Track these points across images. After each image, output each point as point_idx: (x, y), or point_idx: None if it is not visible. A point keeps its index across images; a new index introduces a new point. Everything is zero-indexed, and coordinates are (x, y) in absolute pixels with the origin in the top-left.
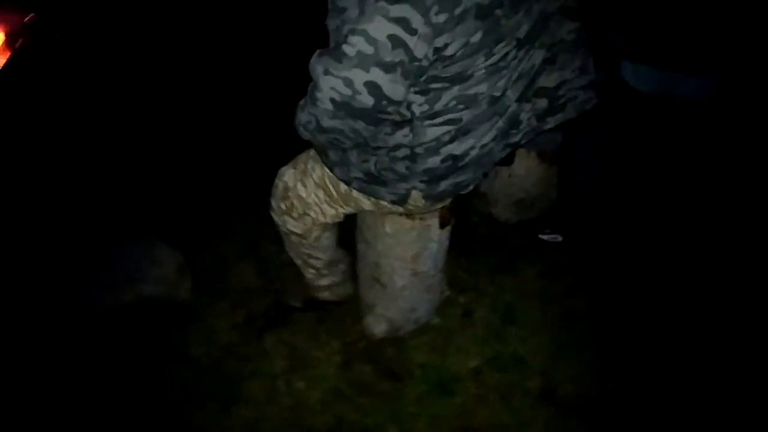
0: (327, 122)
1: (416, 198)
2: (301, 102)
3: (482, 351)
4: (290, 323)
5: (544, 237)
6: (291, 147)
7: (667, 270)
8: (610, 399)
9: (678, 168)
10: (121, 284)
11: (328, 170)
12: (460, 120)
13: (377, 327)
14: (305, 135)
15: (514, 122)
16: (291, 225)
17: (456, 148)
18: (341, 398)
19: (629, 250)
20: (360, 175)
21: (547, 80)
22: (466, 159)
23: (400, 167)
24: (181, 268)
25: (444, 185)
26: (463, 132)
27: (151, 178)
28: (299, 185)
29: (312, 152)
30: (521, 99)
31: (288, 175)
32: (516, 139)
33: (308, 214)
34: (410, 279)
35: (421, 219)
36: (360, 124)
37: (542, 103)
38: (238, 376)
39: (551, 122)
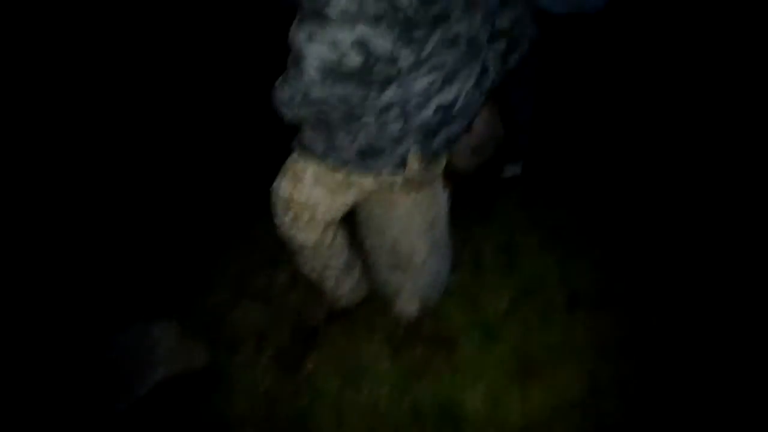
0: (315, 93)
1: (413, 160)
2: (280, 79)
3: (504, 288)
4: (322, 342)
5: (506, 175)
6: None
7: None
8: (625, 290)
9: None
10: (131, 380)
11: (319, 163)
12: (443, 65)
13: (410, 307)
14: (288, 113)
15: (484, 67)
16: (302, 237)
17: (444, 98)
18: (408, 384)
19: (585, 163)
20: (352, 154)
21: (503, 21)
22: (455, 108)
23: (394, 129)
24: (184, 337)
25: (437, 140)
26: (448, 79)
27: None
28: (296, 191)
29: (296, 154)
30: (488, 41)
31: (282, 187)
32: (488, 84)
33: (315, 217)
34: (429, 250)
35: (428, 187)
36: (349, 89)
37: (501, 44)
38: (299, 413)
39: (512, 61)
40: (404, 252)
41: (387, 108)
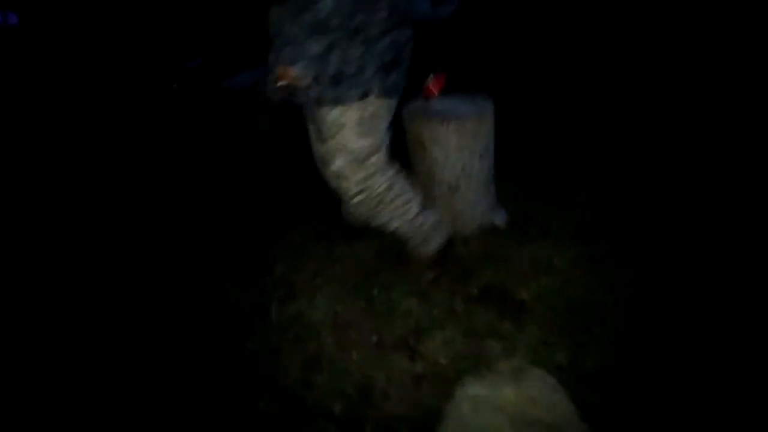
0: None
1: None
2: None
3: None
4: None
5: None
6: None
7: None
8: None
9: None
10: None
11: (352, 114)
12: (397, 6)
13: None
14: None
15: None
16: (380, 182)
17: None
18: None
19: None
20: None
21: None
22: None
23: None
24: None
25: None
26: (401, 22)
27: None
28: (347, 154)
29: (327, 134)
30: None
31: (339, 163)
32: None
33: (381, 149)
34: None
35: None
36: None
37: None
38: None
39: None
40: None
41: (355, 32)
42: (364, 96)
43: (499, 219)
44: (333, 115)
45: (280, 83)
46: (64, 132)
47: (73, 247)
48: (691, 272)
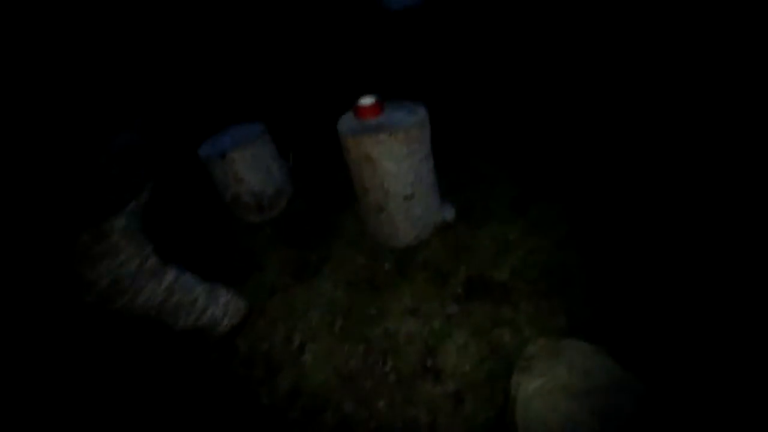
0: None
1: None
2: None
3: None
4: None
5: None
6: None
7: None
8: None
9: None
10: None
11: None
12: None
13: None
14: None
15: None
16: (149, 297)
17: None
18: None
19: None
20: None
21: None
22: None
23: None
24: None
25: None
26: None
27: None
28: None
29: None
30: None
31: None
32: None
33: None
34: None
35: None
36: None
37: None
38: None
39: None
40: None
41: None
42: None
43: (449, 214)
44: None
45: None
46: None
47: None
48: (615, 215)
